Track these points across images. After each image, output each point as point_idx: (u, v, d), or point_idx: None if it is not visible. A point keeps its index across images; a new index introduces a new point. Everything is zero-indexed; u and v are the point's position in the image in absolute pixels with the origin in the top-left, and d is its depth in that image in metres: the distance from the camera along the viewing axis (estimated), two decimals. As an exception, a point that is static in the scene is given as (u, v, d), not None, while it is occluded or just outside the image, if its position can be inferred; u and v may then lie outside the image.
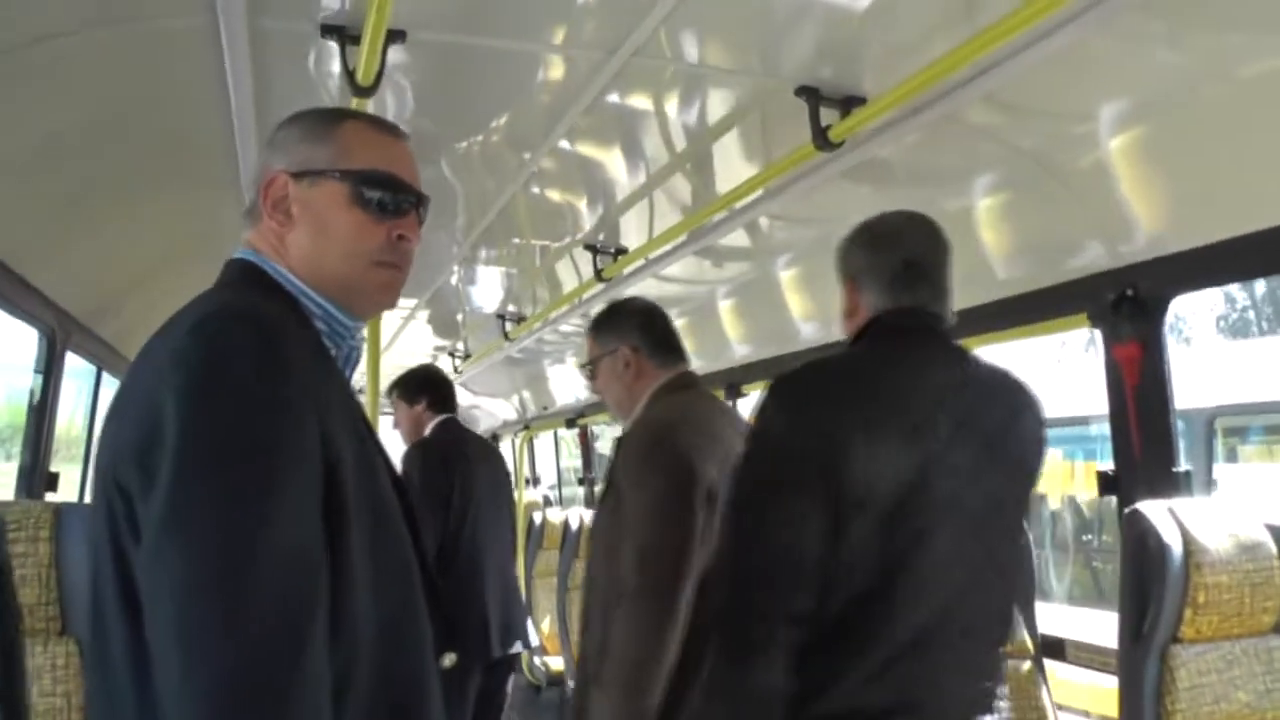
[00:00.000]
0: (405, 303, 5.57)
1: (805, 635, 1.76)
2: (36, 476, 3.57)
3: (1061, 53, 2.14)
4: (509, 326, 5.68)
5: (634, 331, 2.69)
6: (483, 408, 9.49)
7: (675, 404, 2.59)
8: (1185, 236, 2.53)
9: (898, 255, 1.98)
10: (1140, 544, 2.18)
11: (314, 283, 1.42)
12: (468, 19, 2.19)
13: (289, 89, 2.27)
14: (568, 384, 7.17)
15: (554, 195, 3.54)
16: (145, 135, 2.68)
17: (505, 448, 10.02)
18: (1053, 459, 7.85)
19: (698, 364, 4.95)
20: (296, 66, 2.22)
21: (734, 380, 4.66)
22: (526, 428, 8.49)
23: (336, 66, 2.13)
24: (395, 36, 2.12)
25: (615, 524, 2.44)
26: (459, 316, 6.11)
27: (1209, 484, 6.32)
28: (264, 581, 1.14)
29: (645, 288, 4.21)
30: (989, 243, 3.03)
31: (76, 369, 4.05)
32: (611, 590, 2.41)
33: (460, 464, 4.00)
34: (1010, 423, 1.93)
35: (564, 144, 2.96)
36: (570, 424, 7.16)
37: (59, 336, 3.57)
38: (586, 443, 7.52)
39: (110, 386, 4.76)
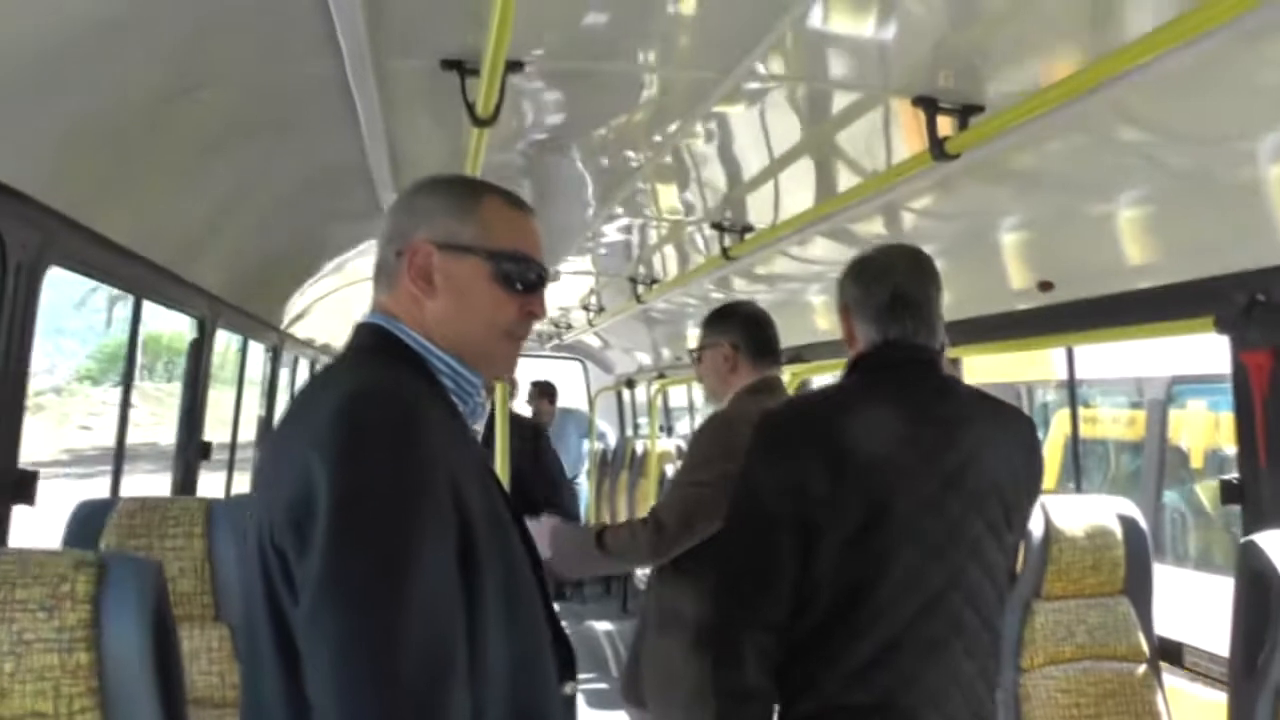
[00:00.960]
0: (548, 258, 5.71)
1: (779, 642, 2.06)
2: (192, 448, 3.86)
3: (1198, 62, 2.06)
4: (640, 289, 5.77)
5: (737, 331, 3.05)
6: (617, 351, 9.65)
7: (751, 403, 2.86)
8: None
9: (886, 290, 2.17)
10: (1255, 577, 2.15)
11: (445, 346, 1.55)
12: (584, 46, 2.24)
13: (414, 122, 2.37)
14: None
15: (681, 178, 3.62)
16: (288, 167, 2.88)
17: (640, 393, 10.22)
18: (1196, 411, 7.56)
19: (825, 336, 5.01)
20: (420, 101, 2.32)
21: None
22: (661, 377, 8.59)
23: (457, 98, 2.21)
24: (513, 67, 2.19)
25: None
26: (592, 279, 6.26)
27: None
28: (410, 639, 1.28)
29: (768, 263, 4.26)
30: (1111, 239, 2.96)
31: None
32: None
33: None
34: (980, 454, 2.11)
35: (687, 140, 3.02)
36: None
37: (209, 319, 3.82)
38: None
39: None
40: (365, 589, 1.29)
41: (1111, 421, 8.84)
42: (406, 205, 1.61)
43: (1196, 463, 7.81)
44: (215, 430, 4.07)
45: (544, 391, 8.44)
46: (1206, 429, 7.79)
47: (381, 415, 1.36)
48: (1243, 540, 2.21)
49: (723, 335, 3.04)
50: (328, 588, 1.29)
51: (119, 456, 3.35)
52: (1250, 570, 2.17)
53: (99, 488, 3.50)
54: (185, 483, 3.86)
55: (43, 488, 2.51)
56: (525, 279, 1.56)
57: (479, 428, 1.82)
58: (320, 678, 1.29)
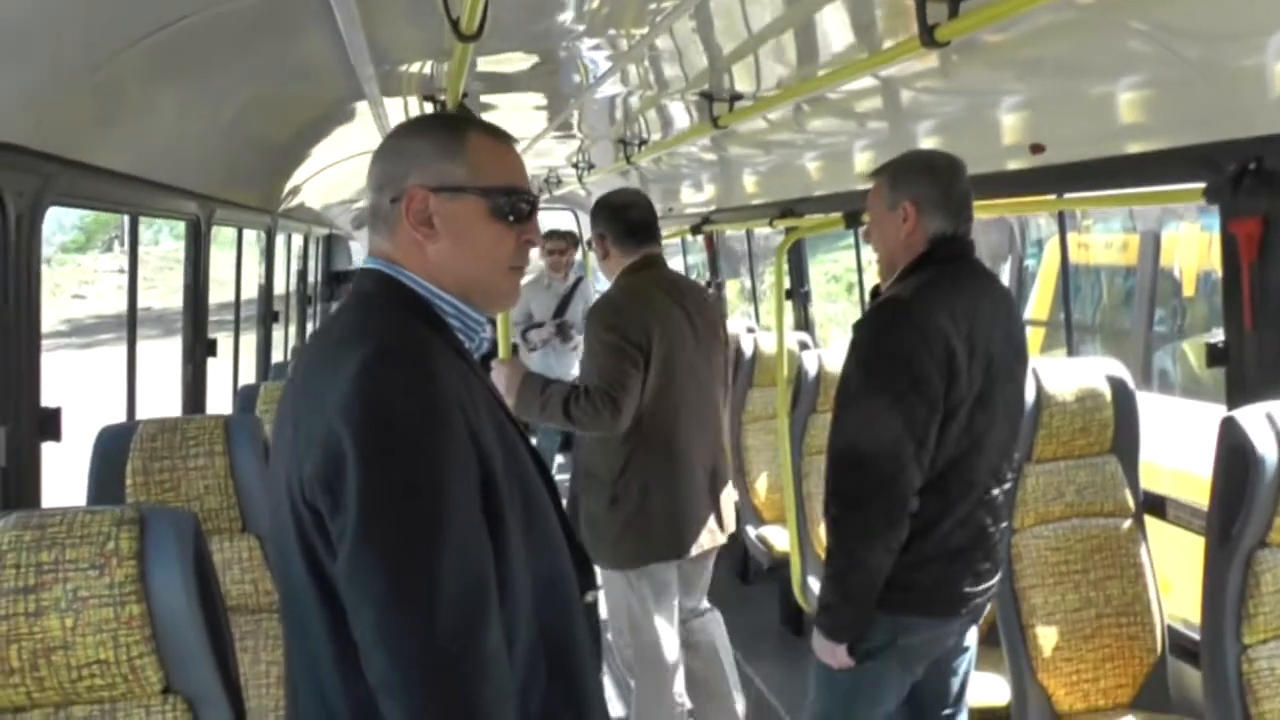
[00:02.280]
0: (531, 128, 5.67)
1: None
2: (199, 346, 3.92)
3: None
4: (629, 150, 5.73)
5: (604, 223, 3.53)
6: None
7: (635, 280, 3.48)
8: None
9: (960, 190, 2.56)
10: (1234, 452, 2.25)
11: (450, 287, 1.61)
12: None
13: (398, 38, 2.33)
14: (692, 192, 7.21)
15: (670, 49, 3.58)
16: (269, 67, 2.84)
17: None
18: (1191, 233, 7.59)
19: (818, 191, 5.02)
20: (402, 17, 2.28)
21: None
22: (653, 226, 8.57)
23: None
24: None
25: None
26: (580, 140, 6.20)
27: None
28: (446, 586, 1.39)
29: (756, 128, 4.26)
30: (1103, 110, 2.95)
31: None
32: None
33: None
34: (1016, 319, 2.67)
35: (677, 14, 2.99)
36: (695, 230, 7.23)
37: (203, 219, 3.84)
38: (713, 249, 7.60)
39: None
40: (400, 544, 1.40)
41: (1104, 247, 8.87)
42: (394, 150, 1.63)
43: (1189, 289, 7.89)
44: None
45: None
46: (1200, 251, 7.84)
47: (400, 376, 1.44)
48: (1222, 418, 2.29)
49: (595, 227, 3.55)
50: (364, 544, 1.39)
51: (131, 382, 3.41)
52: (1229, 444, 2.26)
53: (102, 356, 3.58)
54: (196, 383, 3.94)
55: (47, 360, 2.57)
56: (519, 211, 1.61)
57: None
58: (365, 627, 1.40)
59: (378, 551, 1.40)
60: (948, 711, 2.80)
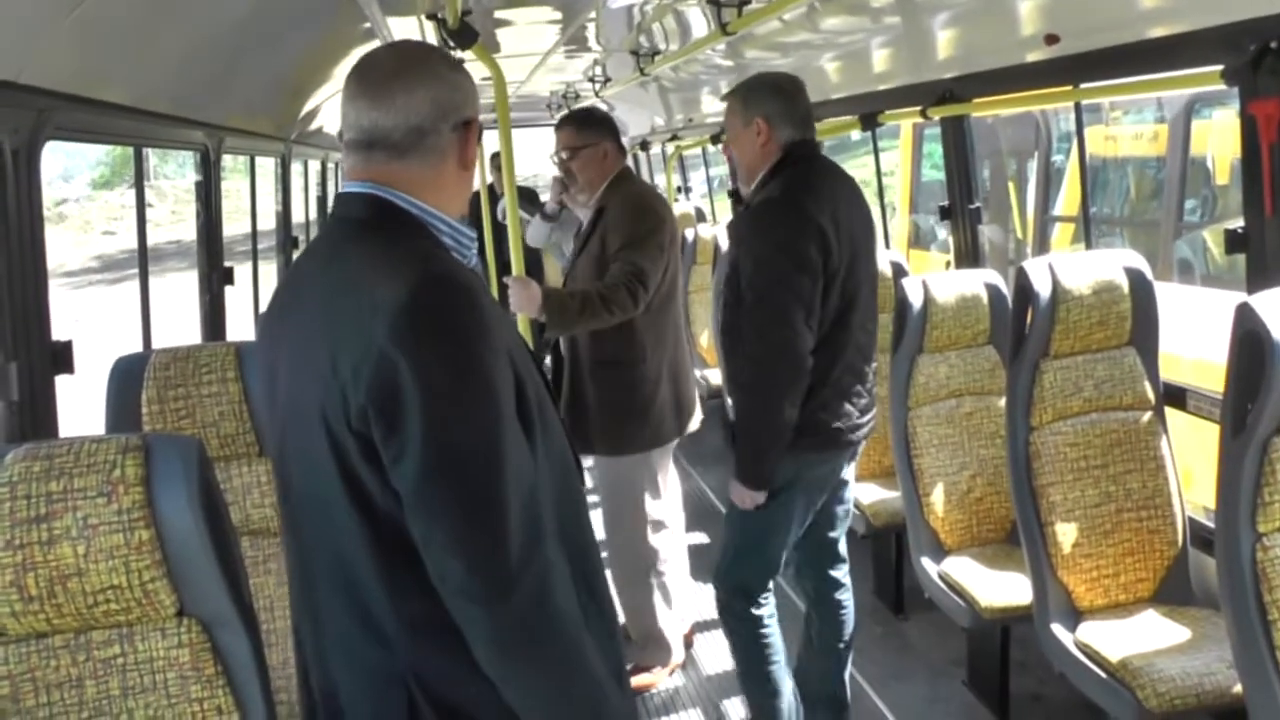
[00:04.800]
0: (542, 43, 5.58)
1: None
2: (214, 275, 3.94)
3: None
4: (643, 63, 5.64)
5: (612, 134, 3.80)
6: (629, 113, 9.47)
7: (627, 187, 3.72)
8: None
9: (804, 103, 2.99)
10: (1248, 337, 2.20)
11: (443, 207, 1.66)
12: None
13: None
14: (713, 99, 7.10)
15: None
16: None
17: (655, 153, 10.10)
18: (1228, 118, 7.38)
19: (835, 95, 4.93)
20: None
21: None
22: (674, 138, 8.47)
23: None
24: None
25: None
26: (595, 53, 6.10)
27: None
28: (512, 493, 1.49)
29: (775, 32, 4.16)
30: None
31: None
32: None
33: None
34: (862, 202, 3.08)
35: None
36: (715, 140, 7.13)
37: (213, 149, 3.82)
38: (732, 158, 7.49)
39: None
40: (470, 459, 1.48)
41: (1134, 138, 8.67)
42: (442, 80, 1.65)
43: (1221, 177, 7.70)
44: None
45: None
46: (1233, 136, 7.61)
47: (450, 301, 1.51)
48: (1237, 305, 2.25)
49: (601, 138, 3.71)
50: (434, 464, 1.47)
51: (146, 311, 3.43)
52: (1245, 330, 2.22)
53: (134, 291, 3.61)
54: (213, 311, 3.97)
55: (79, 297, 2.61)
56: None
57: None
58: (438, 542, 1.48)
59: (448, 469, 1.47)
60: (834, 534, 3.26)
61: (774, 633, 3.16)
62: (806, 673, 3.32)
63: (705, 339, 6.97)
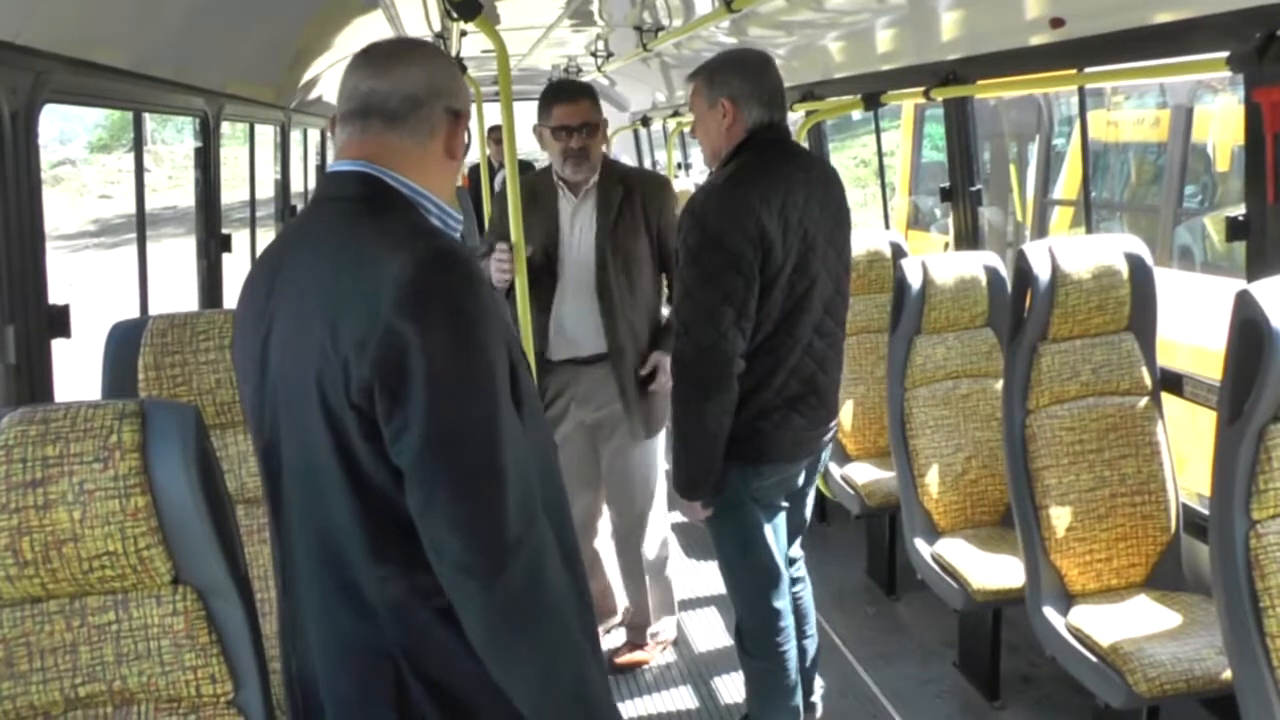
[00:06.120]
0: (545, 16, 5.54)
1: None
2: (212, 242, 3.92)
3: None
4: (646, 38, 5.60)
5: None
6: (630, 89, 9.42)
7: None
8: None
9: (771, 82, 2.78)
10: (1247, 325, 2.20)
11: (432, 188, 1.69)
12: None
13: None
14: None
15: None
16: None
17: (657, 129, 10.05)
18: (1230, 105, 7.36)
19: (838, 74, 4.91)
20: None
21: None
22: (676, 114, 8.43)
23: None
24: None
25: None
26: (598, 28, 6.07)
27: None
28: (510, 470, 1.51)
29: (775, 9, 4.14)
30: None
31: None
32: None
33: None
34: (834, 191, 2.89)
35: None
36: (719, 116, 7.08)
37: (212, 115, 3.80)
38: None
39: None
40: (471, 435, 1.50)
41: (1136, 124, 8.65)
42: (443, 64, 1.73)
43: (1222, 164, 7.69)
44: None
45: None
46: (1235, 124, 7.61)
47: (456, 275, 1.53)
48: (1237, 292, 2.24)
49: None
50: (436, 438, 1.48)
51: (143, 277, 3.41)
52: (1243, 317, 2.21)
53: (132, 255, 3.59)
54: (210, 278, 3.95)
55: (77, 260, 2.61)
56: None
57: None
58: (437, 517, 1.50)
59: (450, 442, 1.48)
60: (794, 535, 3.14)
61: (786, 666, 3.00)
62: None
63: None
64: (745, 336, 2.68)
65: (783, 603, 2.97)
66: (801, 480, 3.00)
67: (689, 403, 2.73)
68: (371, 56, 1.69)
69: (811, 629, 3.23)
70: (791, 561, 3.16)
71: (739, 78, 2.77)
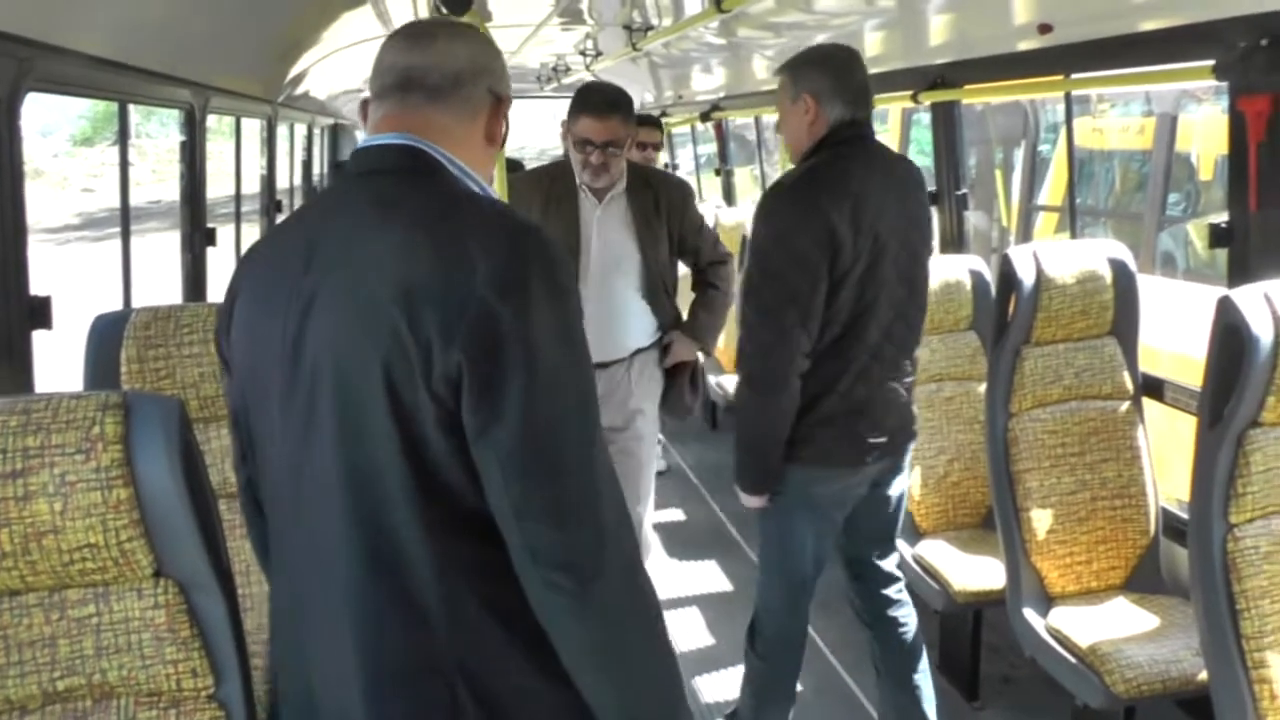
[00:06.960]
0: (535, 15, 5.54)
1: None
2: (197, 235, 3.91)
3: None
4: (636, 38, 5.61)
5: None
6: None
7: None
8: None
9: (857, 79, 2.71)
10: (1229, 331, 2.22)
11: (475, 168, 1.60)
12: None
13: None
14: (703, 77, 7.07)
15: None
16: None
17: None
18: (1214, 115, 7.42)
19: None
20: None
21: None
22: (663, 114, 8.44)
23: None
24: None
25: None
26: (587, 27, 6.07)
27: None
28: (601, 466, 1.43)
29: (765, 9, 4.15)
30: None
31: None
32: None
33: None
34: (915, 194, 2.81)
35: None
36: (705, 118, 7.11)
37: (198, 108, 3.78)
38: (722, 136, 7.48)
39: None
40: (568, 429, 1.40)
41: (1121, 131, 8.71)
42: (487, 45, 1.65)
43: (1205, 172, 7.75)
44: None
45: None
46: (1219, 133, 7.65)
47: (549, 250, 1.44)
48: (1219, 298, 2.26)
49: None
50: (539, 431, 1.37)
51: (127, 270, 3.40)
52: (1224, 323, 2.23)
53: (115, 249, 3.57)
54: (195, 272, 3.93)
55: (60, 253, 2.59)
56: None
57: None
58: (538, 514, 1.38)
59: (549, 433, 1.39)
60: (878, 551, 3.02)
61: (784, 673, 3.00)
62: (884, 712, 3.10)
63: (721, 341, 6.48)
64: (811, 337, 2.63)
65: (802, 615, 2.97)
66: (873, 487, 2.88)
67: (748, 400, 2.72)
68: (411, 33, 1.59)
69: (922, 664, 3.02)
70: (890, 580, 3.04)
71: (823, 73, 2.70)
